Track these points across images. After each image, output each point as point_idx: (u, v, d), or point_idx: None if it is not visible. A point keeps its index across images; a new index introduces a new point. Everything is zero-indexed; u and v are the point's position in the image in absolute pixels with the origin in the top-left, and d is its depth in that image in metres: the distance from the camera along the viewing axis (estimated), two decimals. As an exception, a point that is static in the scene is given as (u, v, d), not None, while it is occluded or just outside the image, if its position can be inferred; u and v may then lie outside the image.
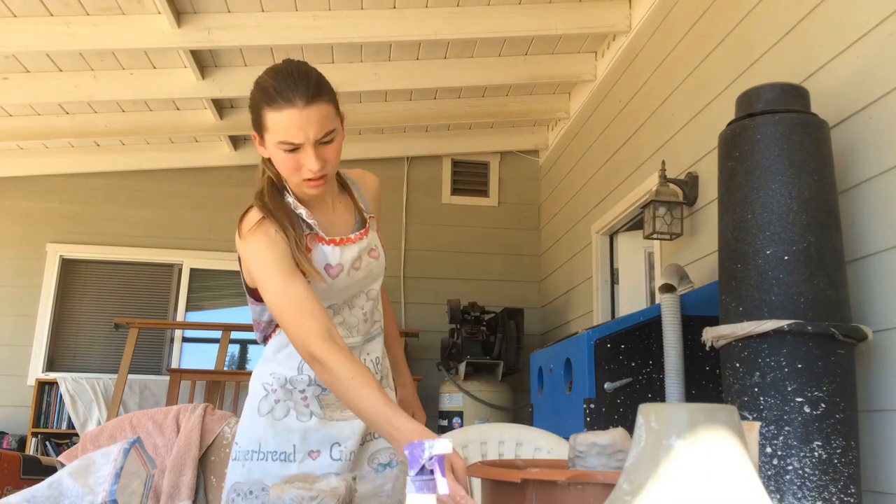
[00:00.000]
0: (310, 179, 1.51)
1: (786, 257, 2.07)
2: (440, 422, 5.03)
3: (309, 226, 1.59)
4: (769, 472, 1.97)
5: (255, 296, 1.63)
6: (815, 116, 2.24)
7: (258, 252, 1.51)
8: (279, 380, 1.65)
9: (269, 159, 1.56)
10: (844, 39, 2.41)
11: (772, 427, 2.00)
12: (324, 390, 1.64)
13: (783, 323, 2.01)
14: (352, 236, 1.64)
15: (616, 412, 2.67)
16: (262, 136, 1.52)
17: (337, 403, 1.64)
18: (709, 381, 2.67)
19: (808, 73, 2.57)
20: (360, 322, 1.69)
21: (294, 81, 1.45)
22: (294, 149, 1.47)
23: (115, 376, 5.19)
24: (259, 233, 1.51)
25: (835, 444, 1.97)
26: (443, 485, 1.13)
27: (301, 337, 1.43)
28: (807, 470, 1.95)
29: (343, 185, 1.72)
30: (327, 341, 1.41)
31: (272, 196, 1.57)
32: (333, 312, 1.65)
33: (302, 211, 1.58)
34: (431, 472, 1.13)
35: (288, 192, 1.59)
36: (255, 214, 1.54)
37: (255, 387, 1.69)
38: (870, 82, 2.29)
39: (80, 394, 5.22)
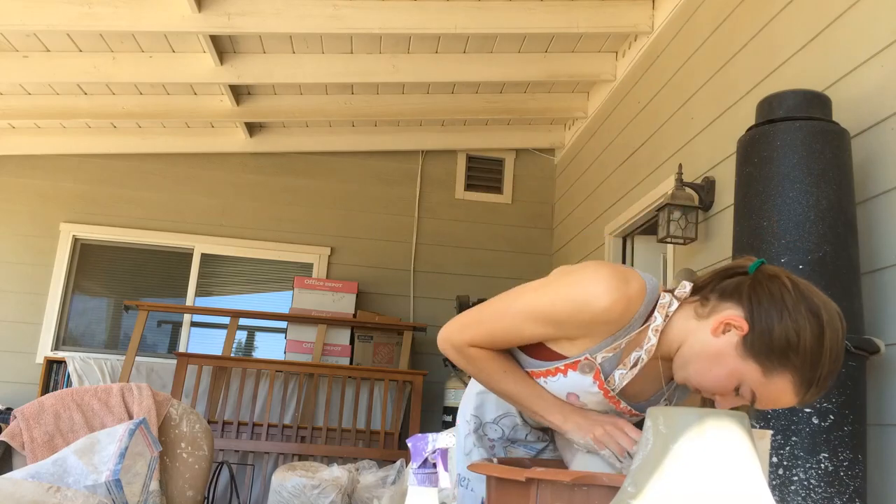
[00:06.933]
0: (711, 400, 1.33)
1: (801, 266, 2.05)
2: (445, 417, 5.02)
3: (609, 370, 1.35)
4: (774, 482, 1.95)
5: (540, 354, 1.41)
6: (837, 125, 2.21)
7: (572, 282, 1.30)
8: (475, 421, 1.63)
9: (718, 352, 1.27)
10: (869, 49, 2.38)
11: (779, 437, 1.98)
12: (512, 444, 1.61)
13: (795, 332, 1.99)
14: (622, 403, 1.40)
15: (622, 415, 2.65)
16: (755, 365, 1.24)
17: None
18: (717, 387, 2.65)
19: (830, 81, 2.54)
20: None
21: (829, 376, 1.27)
22: (740, 391, 1.28)
23: (122, 357, 5.21)
24: (611, 279, 1.26)
25: (842, 457, 1.95)
26: (444, 478, 1.13)
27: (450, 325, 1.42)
28: (812, 481, 1.93)
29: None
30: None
31: (657, 311, 1.31)
32: None
33: (641, 354, 1.33)
34: (434, 465, 1.13)
35: (656, 331, 1.31)
36: (638, 283, 1.30)
37: (461, 417, 1.67)
38: (893, 92, 2.26)
39: (88, 373, 5.24)
